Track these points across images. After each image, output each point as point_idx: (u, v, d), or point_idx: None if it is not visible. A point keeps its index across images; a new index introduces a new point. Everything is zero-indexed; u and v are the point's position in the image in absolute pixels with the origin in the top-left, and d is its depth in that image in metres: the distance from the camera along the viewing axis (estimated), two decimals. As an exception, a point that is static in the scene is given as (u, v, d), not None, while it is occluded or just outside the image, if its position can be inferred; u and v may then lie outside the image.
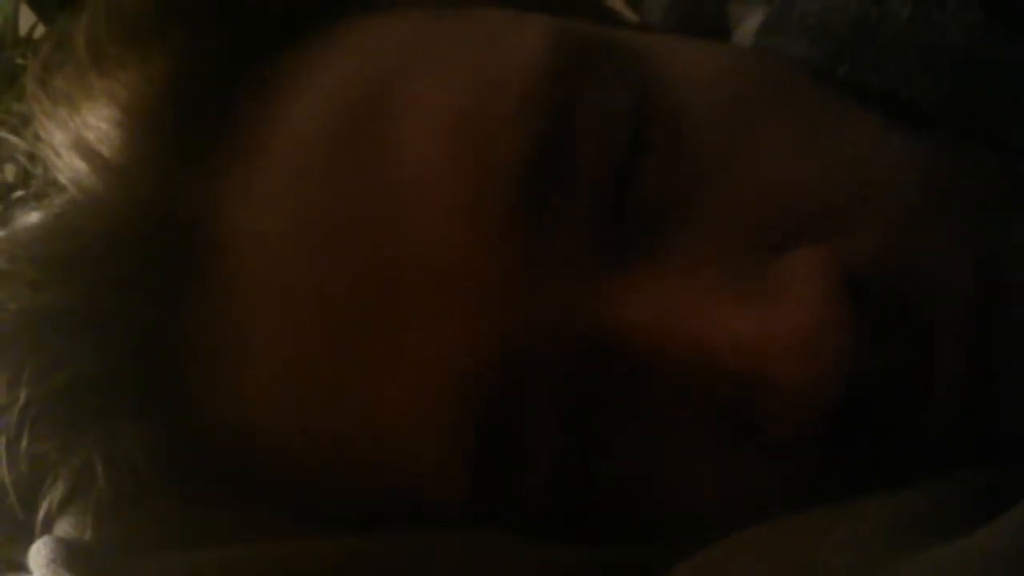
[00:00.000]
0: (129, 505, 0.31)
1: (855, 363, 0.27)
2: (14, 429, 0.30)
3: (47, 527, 0.32)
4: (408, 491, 0.29)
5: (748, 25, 0.38)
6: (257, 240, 0.30)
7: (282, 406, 0.30)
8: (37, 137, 0.33)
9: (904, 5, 0.33)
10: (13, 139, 0.33)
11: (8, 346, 0.31)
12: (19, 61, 0.33)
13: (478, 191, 0.29)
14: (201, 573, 0.28)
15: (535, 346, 0.28)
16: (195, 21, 0.32)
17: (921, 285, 0.28)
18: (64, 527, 0.31)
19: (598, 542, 0.29)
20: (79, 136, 0.31)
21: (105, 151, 0.31)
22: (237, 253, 0.30)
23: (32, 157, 0.33)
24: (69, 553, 0.29)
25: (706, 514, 0.29)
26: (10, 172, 0.34)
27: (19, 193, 0.33)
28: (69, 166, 0.31)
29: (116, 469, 0.30)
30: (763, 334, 0.27)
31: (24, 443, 0.30)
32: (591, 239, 0.29)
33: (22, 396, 0.30)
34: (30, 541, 0.30)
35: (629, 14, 0.45)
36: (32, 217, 0.32)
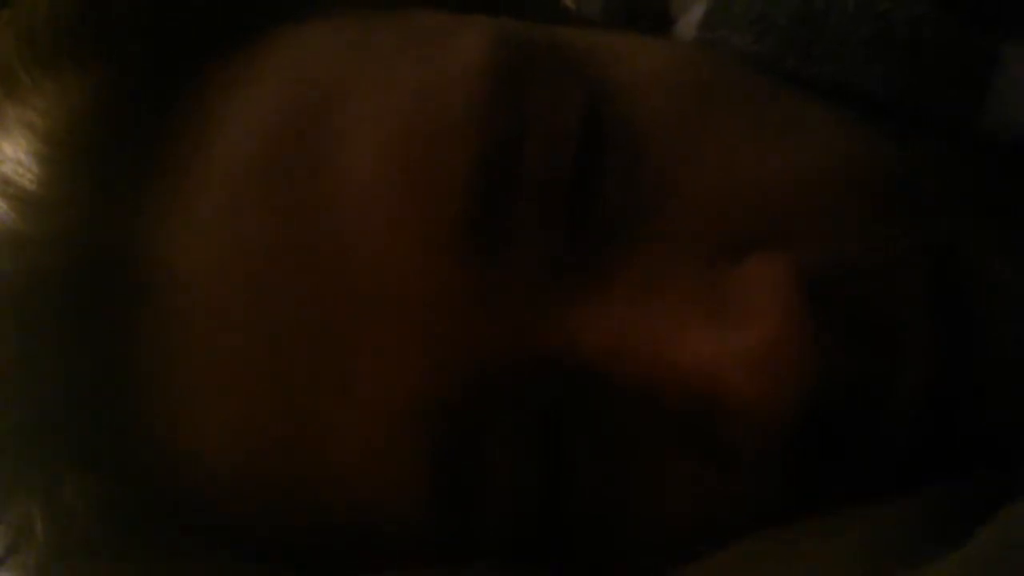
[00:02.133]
0: (73, 559, 0.29)
1: (817, 377, 0.26)
2: None
3: (-15, 585, 0.30)
4: (372, 528, 0.28)
5: (691, 17, 0.37)
6: (193, 274, 0.28)
7: (231, 447, 0.28)
8: None
9: None
10: None
11: None
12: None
13: (421, 212, 0.27)
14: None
15: (491, 372, 0.27)
16: (113, 42, 0.30)
17: (882, 286, 0.28)
18: (4, 584, 0.30)
19: (571, 568, 0.28)
20: None
21: (24, 184, 0.29)
22: (173, 289, 0.28)
23: None
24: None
25: (679, 535, 0.28)
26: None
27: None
28: None
29: (57, 522, 0.29)
30: (719, 354, 0.26)
31: None
32: (545, 257, 0.28)
33: None
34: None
35: (570, 2, 0.43)
36: None
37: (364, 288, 0.27)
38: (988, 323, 0.28)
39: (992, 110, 0.31)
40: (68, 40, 0.30)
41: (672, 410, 0.27)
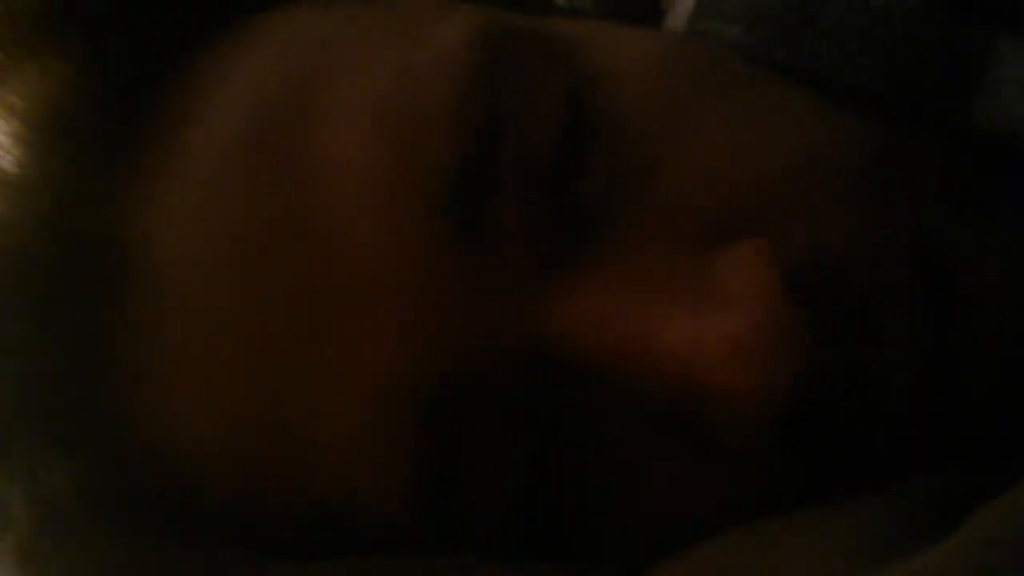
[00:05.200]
0: (54, 542, 0.29)
1: (799, 365, 0.26)
2: None
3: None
4: (356, 513, 0.28)
5: (681, 8, 0.36)
6: (173, 258, 0.28)
7: (214, 431, 0.28)
8: None
9: None
10: None
11: None
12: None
13: (403, 197, 0.27)
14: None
15: (472, 359, 0.27)
16: (95, 24, 0.30)
17: (865, 277, 0.28)
18: (-18, 568, 0.29)
19: (557, 559, 0.28)
20: None
21: (3, 166, 0.29)
22: (153, 272, 0.28)
23: None
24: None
25: (663, 525, 0.28)
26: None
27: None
28: None
29: (38, 506, 0.29)
30: (699, 341, 0.26)
31: None
32: (526, 243, 0.28)
33: None
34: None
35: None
36: None
37: (345, 272, 0.27)
38: (973, 314, 0.28)
39: (985, 104, 0.31)
40: (49, 22, 0.30)
41: (654, 397, 0.27)
